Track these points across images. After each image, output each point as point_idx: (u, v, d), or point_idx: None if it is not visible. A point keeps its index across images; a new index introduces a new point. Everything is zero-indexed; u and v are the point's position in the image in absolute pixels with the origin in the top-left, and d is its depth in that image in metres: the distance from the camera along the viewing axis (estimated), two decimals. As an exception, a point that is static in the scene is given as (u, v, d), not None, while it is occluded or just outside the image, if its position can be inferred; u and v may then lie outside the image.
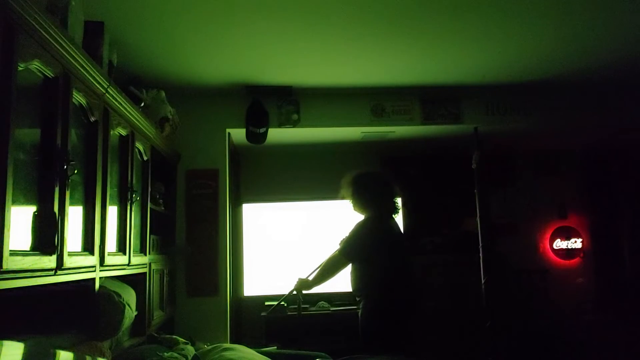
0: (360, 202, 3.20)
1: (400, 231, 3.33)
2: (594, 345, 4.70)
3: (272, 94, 3.98)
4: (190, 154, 3.97)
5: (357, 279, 3.18)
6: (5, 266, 1.39)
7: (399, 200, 3.31)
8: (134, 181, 2.70)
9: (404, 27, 2.97)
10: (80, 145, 2.05)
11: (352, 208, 3.25)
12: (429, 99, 4.17)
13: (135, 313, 2.49)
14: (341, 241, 3.28)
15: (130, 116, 2.65)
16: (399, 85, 4.02)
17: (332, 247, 3.43)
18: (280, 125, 4.06)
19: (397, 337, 3.01)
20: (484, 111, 4.21)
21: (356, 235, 3.19)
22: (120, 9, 2.63)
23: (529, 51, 3.41)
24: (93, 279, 2.13)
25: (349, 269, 3.26)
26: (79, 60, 1.92)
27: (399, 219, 4.68)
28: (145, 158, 3.01)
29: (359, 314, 3.14)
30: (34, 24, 1.58)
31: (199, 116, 4.01)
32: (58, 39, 1.73)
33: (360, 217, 3.22)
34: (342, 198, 3.28)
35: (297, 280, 3.29)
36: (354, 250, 3.15)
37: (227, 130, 4.08)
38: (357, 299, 3.25)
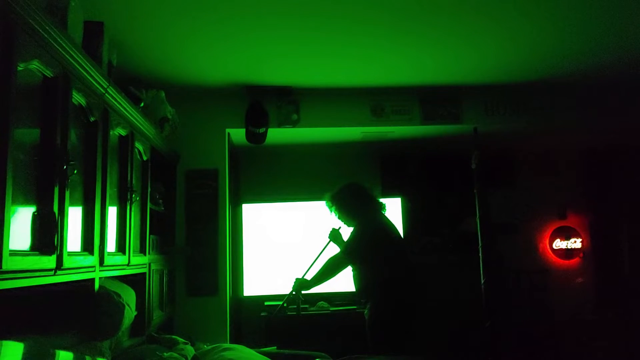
0: (347, 213, 3.33)
1: (397, 229, 3.36)
2: (594, 345, 4.70)
3: (272, 94, 3.98)
4: (190, 154, 3.97)
5: (361, 280, 3.20)
6: (4, 266, 1.38)
7: (380, 198, 3.44)
8: (133, 181, 2.70)
9: (403, 27, 2.97)
10: (80, 145, 2.05)
11: (344, 223, 3.38)
12: (428, 99, 4.17)
13: (134, 313, 2.49)
14: (330, 234, 3.35)
15: (129, 116, 2.65)
16: (398, 85, 4.02)
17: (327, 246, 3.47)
18: (279, 125, 4.06)
19: (404, 337, 3.03)
20: (483, 111, 4.21)
21: (357, 236, 3.21)
22: (120, 9, 2.63)
23: (528, 51, 3.41)
24: (92, 279, 2.13)
25: (349, 271, 3.28)
26: (79, 60, 1.92)
27: (397, 219, 4.71)
28: (144, 158, 3.01)
29: (366, 315, 3.15)
30: (34, 24, 1.58)
31: (199, 116, 4.01)
32: (58, 39, 1.73)
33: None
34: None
35: (295, 280, 3.30)
36: (356, 251, 3.17)
37: (227, 130, 4.08)
38: (363, 300, 3.27)
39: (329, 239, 3.43)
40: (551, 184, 5.33)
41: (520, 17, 2.91)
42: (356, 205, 3.30)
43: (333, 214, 3.38)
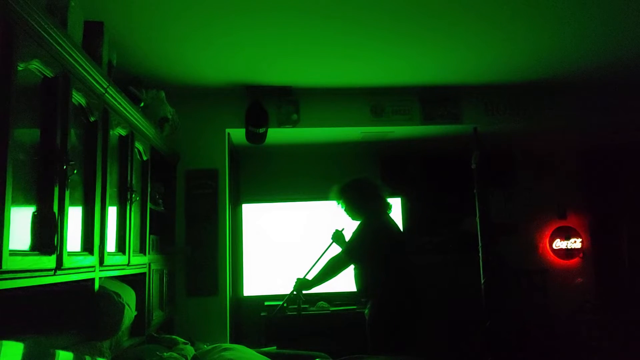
0: (354, 208, 3.30)
1: (400, 229, 3.36)
2: (594, 345, 4.70)
3: (272, 94, 3.98)
4: (190, 154, 3.97)
5: (362, 280, 3.20)
6: (4, 266, 1.39)
7: (388, 198, 3.41)
8: (133, 181, 2.70)
9: (403, 27, 2.97)
10: (80, 145, 2.05)
11: (349, 216, 3.36)
12: (428, 99, 4.17)
13: (134, 313, 2.49)
14: (333, 235, 3.34)
15: (129, 116, 2.65)
16: (398, 85, 4.02)
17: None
18: (279, 125, 4.06)
19: (404, 337, 3.03)
20: (483, 111, 4.21)
21: (359, 236, 3.21)
22: (120, 9, 2.63)
23: (527, 52, 3.41)
24: (92, 279, 2.13)
25: (350, 270, 3.27)
26: (79, 60, 1.92)
27: (398, 219, 4.70)
28: (144, 158, 3.01)
29: (367, 314, 3.15)
30: (34, 24, 1.58)
31: (199, 116, 4.01)
32: (57, 39, 1.73)
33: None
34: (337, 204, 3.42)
35: (296, 280, 3.30)
36: (358, 251, 3.17)
37: (227, 130, 4.08)
38: (363, 300, 3.27)
39: (331, 240, 3.42)
40: (551, 184, 5.33)
41: (516, 20, 2.92)
42: (364, 200, 3.28)
43: (339, 206, 3.36)
